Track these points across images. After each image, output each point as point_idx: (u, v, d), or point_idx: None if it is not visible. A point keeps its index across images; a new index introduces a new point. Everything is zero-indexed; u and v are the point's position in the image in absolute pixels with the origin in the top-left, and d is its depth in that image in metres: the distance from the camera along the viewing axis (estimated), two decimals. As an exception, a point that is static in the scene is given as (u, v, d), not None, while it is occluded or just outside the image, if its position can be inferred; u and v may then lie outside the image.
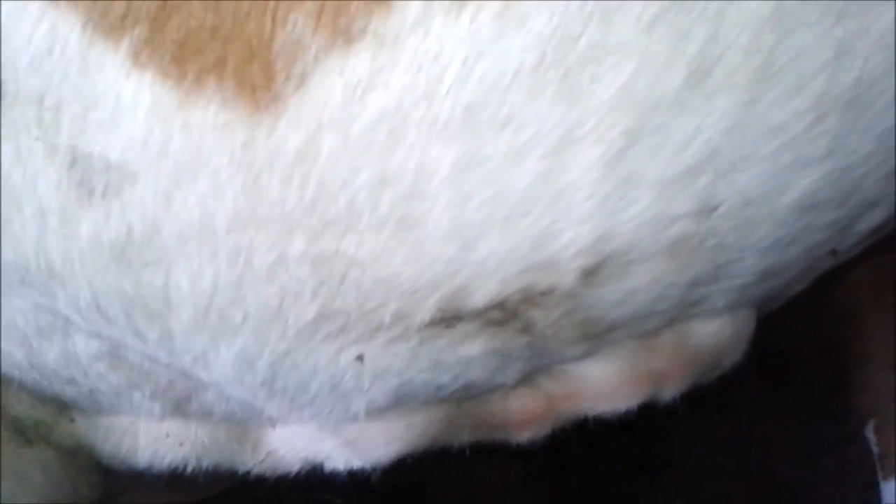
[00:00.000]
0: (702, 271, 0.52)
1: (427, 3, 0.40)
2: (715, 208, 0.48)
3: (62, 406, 0.62)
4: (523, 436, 0.66)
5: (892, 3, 0.44)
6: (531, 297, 0.50)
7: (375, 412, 0.58)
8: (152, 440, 0.63)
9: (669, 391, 0.64)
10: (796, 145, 0.47)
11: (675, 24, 0.41)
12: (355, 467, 0.64)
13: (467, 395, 0.61)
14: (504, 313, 0.51)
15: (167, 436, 0.63)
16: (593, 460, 0.85)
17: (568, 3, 0.40)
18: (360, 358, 0.51)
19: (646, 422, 0.66)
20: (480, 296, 0.49)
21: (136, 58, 0.40)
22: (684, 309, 0.57)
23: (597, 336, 0.56)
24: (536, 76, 0.41)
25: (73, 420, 0.64)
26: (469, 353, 0.53)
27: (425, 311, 0.49)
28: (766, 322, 0.67)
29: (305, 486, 0.70)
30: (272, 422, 0.62)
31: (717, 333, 0.63)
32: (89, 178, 0.43)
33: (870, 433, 0.75)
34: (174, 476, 0.66)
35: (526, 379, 0.61)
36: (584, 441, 0.68)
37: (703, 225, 0.48)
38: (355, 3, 0.40)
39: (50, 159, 0.42)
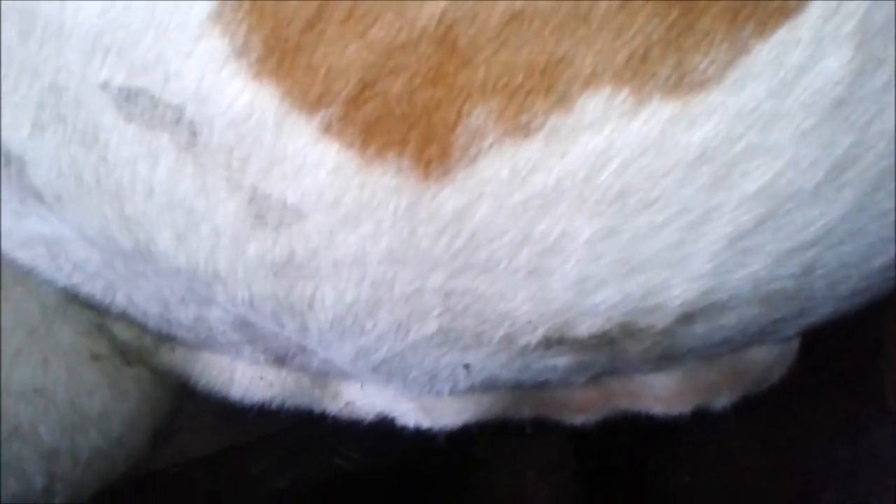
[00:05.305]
0: (787, 314, 0.62)
1: (606, 107, 0.47)
2: (816, 270, 0.56)
3: (166, 337, 0.73)
4: (577, 419, 0.79)
5: None
6: (629, 332, 0.60)
7: (457, 393, 0.70)
8: (247, 380, 0.75)
9: (721, 401, 0.75)
10: None
11: (827, 133, 0.48)
12: (423, 427, 0.76)
13: (537, 386, 0.72)
14: (601, 341, 0.61)
15: (261, 378, 0.74)
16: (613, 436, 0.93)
17: (739, 108, 0.47)
18: (467, 367, 0.61)
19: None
20: (585, 329, 0.59)
21: (326, 129, 0.47)
22: (758, 339, 0.67)
23: (674, 358, 0.67)
24: (691, 169, 0.49)
25: (172, 349, 0.75)
26: (556, 363, 0.64)
27: (532, 337, 0.59)
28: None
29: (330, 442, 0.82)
30: (360, 382, 0.74)
31: (768, 351, 0.74)
32: (264, 213, 0.51)
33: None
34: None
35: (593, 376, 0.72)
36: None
37: (802, 282, 0.57)
38: (539, 103, 0.46)
39: (232, 194, 0.51)
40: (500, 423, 0.79)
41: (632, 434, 0.89)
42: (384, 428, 0.79)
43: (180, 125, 0.49)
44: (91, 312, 0.73)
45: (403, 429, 0.78)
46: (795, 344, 0.78)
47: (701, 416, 0.80)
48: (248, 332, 0.67)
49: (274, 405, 0.78)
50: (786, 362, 0.79)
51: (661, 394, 0.74)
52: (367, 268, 0.54)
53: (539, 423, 0.82)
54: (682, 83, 0.45)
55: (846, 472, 0.98)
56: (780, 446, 1.03)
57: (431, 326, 0.59)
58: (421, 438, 0.79)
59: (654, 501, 1.11)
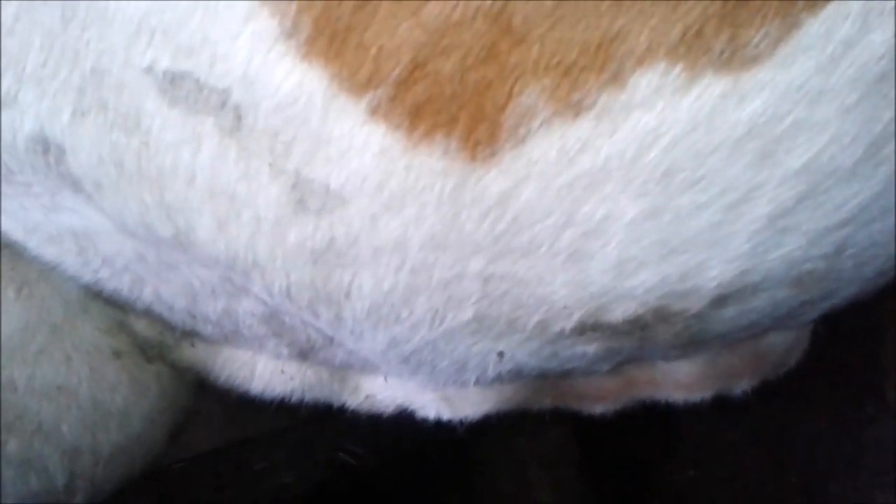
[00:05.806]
0: (815, 296, 0.62)
1: (659, 83, 0.47)
2: (846, 250, 0.57)
3: (187, 333, 0.72)
4: (597, 408, 0.79)
5: None
6: (663, 316, 0.60)
7: (482, 383, 0.69)
8: (268, 374, 0.74)
9: (741, 386, 0.76)
10: None
11: (870, 108, 0.49)
12: (444, 419, 0.76)
13: (561, 375, 0.72)
14: (633, 326, 0.61)
15: (282, 372, 0.74)
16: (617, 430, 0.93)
17: (788, 84, 0.47)
18: (500, 354, 0.61)
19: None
20: (619, 313, 0.59)
21: (374, 111, 0.47)
22: (783, 322, 0.68)
23: (702, 343, 0.67)
24: (738, 146, 0.49)
25: (192, 345, 0.75)
26: (585, 350, 0.64)
27: (567, 323, 0.59)
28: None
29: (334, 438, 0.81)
30: (384, 374, 0.73)
31: (785, 335, 0.75)
32: (306, 198, 0.51)
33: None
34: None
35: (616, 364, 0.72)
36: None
37: (832, 263, 0.58)
38: (592, 80, 0.46)
39: (274, 179, 0.50)
40: (504, 416, 0.78)
41: (637, 428, 0.90)
42: (389, 423, 0.79)
43: (225, 109, 0.49)
44: (113, 309, 0.72)
45: (409, 423, 0.78)
46: (810, 327, 0.79)
47: (704, 410, 0.80)
48: (274, 325, 0.66)
49: (293, 399, 0.77)
50: (801, 346, 0.80)
51: (682, 380, 0.74)
52: (408, 254, 0.54)
53: (543, 417, 0.82)
54: (734, 58, 0.46)
55: (850, 465, 0.98)
56: (784, 439, 1.03)
57: (467, 313, 0.58)
58: (425, 433, 0.79)
59: (658, 495, 1.11)
